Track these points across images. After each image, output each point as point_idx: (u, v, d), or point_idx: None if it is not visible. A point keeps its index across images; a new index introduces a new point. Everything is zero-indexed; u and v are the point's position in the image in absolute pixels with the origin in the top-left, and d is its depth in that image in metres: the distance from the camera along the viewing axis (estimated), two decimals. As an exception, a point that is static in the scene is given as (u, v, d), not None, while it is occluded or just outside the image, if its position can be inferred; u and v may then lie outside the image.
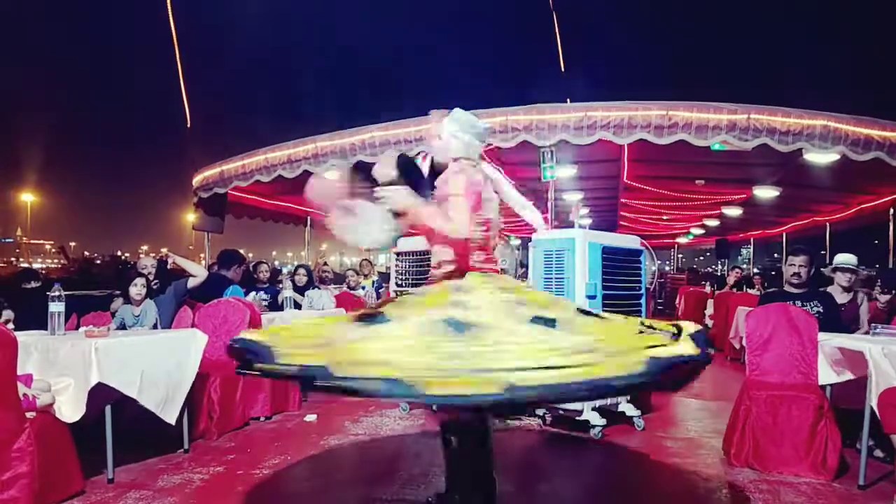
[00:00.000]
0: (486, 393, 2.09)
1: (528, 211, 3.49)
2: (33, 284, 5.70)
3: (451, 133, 3.17)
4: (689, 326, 2.68)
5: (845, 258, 5.37)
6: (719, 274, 13.75)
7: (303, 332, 2.84)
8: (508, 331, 2.53)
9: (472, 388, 2.12)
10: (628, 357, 2.30)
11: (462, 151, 3.16)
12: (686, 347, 2.41)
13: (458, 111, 3.24)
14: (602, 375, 2.17)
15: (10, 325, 3.86)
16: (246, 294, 6.82)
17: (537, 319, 2.61)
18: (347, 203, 3.05)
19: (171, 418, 4.20)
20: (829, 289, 5.41)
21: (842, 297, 5.26)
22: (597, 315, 2.95)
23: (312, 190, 3.18)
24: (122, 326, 5.14)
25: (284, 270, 8.33)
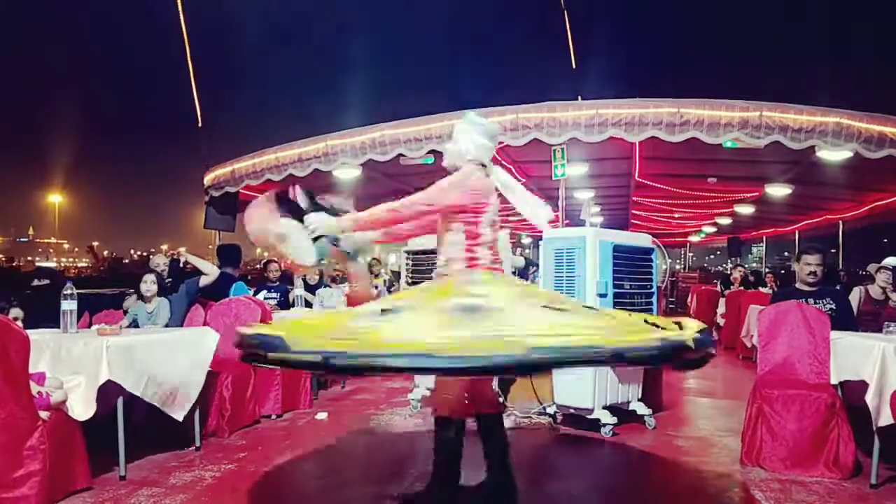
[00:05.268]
0: (508, 353, 2.12)
1: (542, 210, 3.46)
2: (44, 282, 5.72)
3: (463, 136, 3.28)
4: (693, 323, 2.70)
5: (892, 260, 5.68)
6: (728, 272, 13.70)
7: (315, 325, 2.83)
8: (522, 313, 2.60)
9: (493, 349, 2.15)
10: (642, 335, 2.37)
11: (473, 154, 3.25)
12: (691, 334, 2.44)
13: (470, 114, 3.30)
14: (617, 345, 2.22)
15: (20, 324, 3.88)
16: (256, 293, 6.85)
17: (547, 308, 2.69)
18: (279, 228, 3.23)
19: (179, 415, 4.22)
20: (868, 286, 5.56)
21: (879, 295, 5.49)
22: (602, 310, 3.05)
23: (249, 223, 3.32)
24: (135, 324, 5.17)
25: None
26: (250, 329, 2.68)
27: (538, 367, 2.26)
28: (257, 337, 2.52)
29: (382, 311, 2.72)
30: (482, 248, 3.16)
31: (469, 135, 3.27)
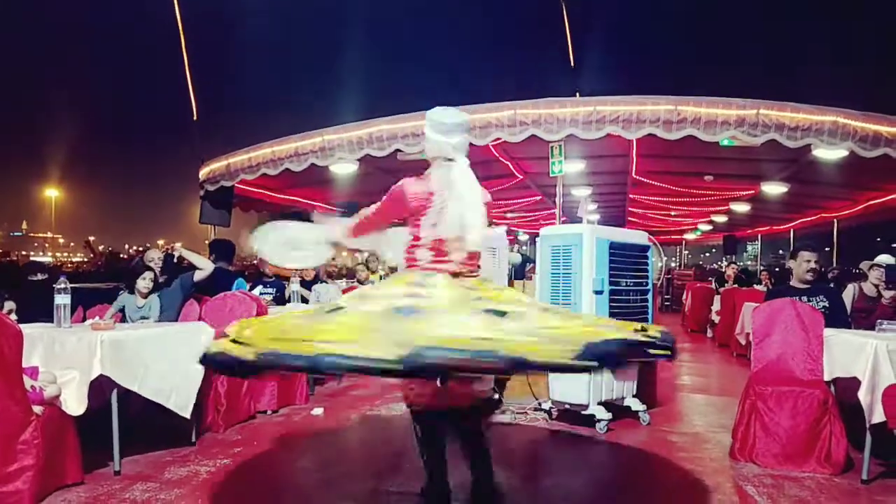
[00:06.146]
0: (382, 357, 2.18)
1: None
2: (39, 277, 5.71)
3: (426, 133, 3.24)
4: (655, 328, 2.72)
5: (885, 258, 5.66)
6: (722, 270, 13.78)
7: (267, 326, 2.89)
8: (453, 318, 2.59)
9: (373, 350, 2.23)
10: (566, 344, 2.31)
11: (435, 151, 3.21)
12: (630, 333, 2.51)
13: (432, 111, 3.26)
14: (520, 353, 2.22)
15: (14, 317, 3.87)
16: (251, 288, 6.84)
17: (489, 311, 2.67)
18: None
19: (185, 412, 4.23)
20: (861, 283, 5.56)
21: (872, 292, 5.46)
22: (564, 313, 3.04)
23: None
24: (122, 315, 5.15)
25: None
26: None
27: (423, 369, 2.23)
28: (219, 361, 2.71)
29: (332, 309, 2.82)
30: (421, 250, 3.09)
31: (428, 132, 3.23)
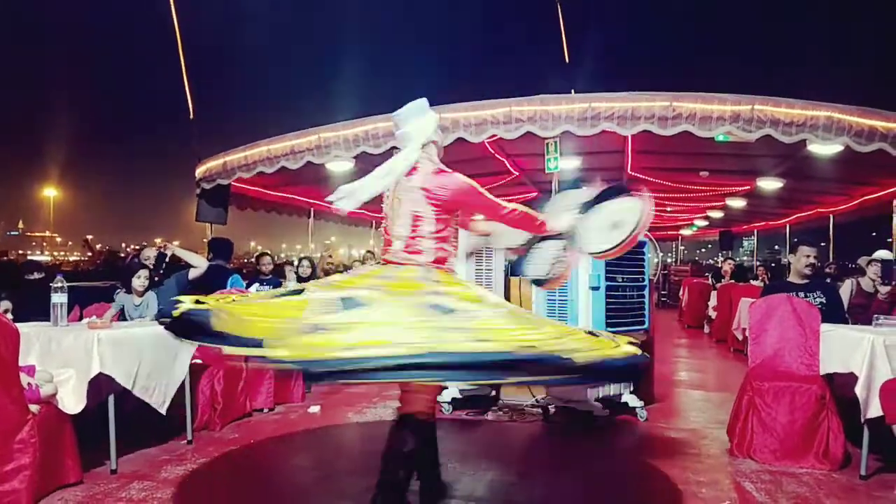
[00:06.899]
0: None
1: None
2: (36, 276, 5.70)
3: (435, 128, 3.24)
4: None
5: (883, 253, 5.74)
6: (719, 266, 13.84)
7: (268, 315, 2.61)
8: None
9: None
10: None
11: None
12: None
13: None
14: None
15: (10, 316, 3.86)
16: (248, 286, 6.83)
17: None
18: None
19: (163, 408, 4.20)
20: (858, 279, 5.62)
21: (870, 288, 5.55)
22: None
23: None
24: (122, 314, 5.15)
25: (295, 262, 8.36)
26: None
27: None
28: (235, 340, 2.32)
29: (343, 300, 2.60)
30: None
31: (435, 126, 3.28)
